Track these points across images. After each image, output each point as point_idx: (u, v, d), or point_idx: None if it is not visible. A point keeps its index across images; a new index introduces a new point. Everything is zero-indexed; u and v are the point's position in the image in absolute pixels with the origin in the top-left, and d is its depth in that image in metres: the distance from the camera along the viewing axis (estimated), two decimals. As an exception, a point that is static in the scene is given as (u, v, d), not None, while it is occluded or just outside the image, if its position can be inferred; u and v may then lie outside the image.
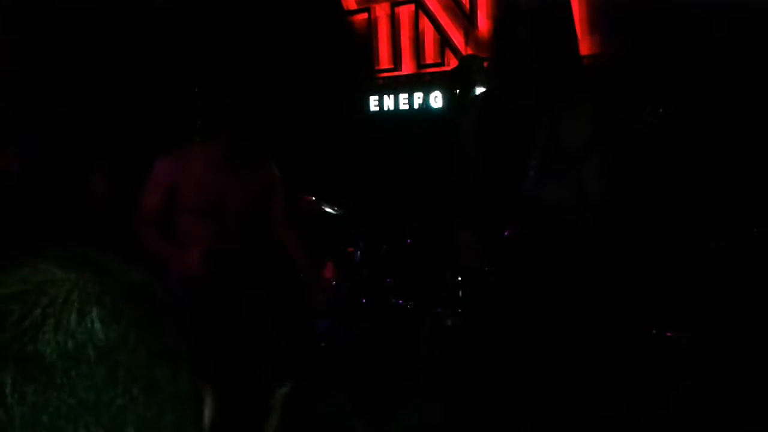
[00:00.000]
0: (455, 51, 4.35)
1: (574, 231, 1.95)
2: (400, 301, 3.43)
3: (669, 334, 2.80)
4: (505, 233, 1.95)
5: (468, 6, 4.24)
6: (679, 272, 2.87)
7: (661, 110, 1.84)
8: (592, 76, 3.59)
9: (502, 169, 2.10)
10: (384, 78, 4.81)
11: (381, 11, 4.76)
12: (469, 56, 2.38)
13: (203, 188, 2.73)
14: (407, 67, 4.68)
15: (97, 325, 0.50)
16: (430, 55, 4.54)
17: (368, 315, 3.36)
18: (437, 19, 4.42)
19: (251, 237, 2.86)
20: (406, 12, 4.61)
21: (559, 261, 1.95)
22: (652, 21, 3.51)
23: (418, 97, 4.58)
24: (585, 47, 3.81)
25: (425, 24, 4.50)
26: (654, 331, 2.71)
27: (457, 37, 4.37)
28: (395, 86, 4.72)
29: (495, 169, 2.13)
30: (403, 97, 4.67)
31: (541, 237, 1.97)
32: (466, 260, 2.01)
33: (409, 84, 4.65)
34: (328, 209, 3.89)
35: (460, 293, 1.96)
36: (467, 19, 4.29)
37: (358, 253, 3.60)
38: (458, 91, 2.32)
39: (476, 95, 2.29)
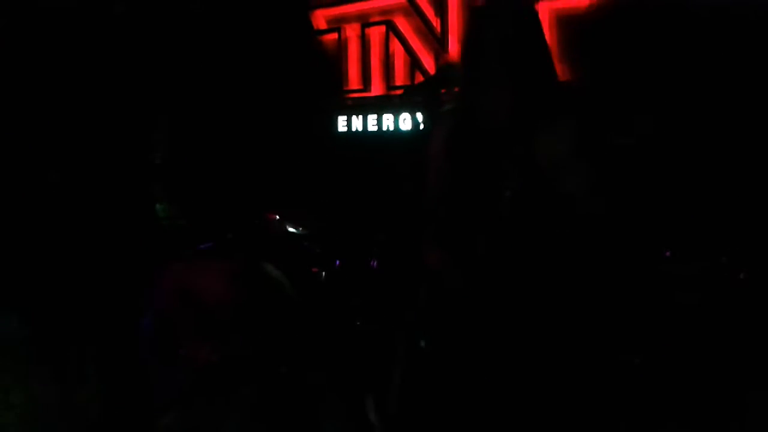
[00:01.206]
0: (425, 73, 4.34)
1: (553, 251, 1.91)
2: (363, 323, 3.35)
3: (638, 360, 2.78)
4: (480, 253, 1.90)
5: (439, 29, 4.24)
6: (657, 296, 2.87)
7: (649, 122, 1.81)
8: (572, 95, 3.61)
9: (476, 189, 2.05)
10: (353, 99, 4.77)
11: (351, 32, 4.73)
12: (447, 65, 2.36)
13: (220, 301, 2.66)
14: (377, 89, 4.65)
15: None
16: (399, 77, 4.52)
17: (333, 338, 3.27)
18: (408, 41, 4.41)
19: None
20: (376, 33, 4.60)
21: (537, 282, 1.91)
22: (621, 47, 3.54)
23: (387, 119, 4.55)
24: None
25: (395, 46, 4.49)
26: (626, 358, 2.68)
27: (428, 60, 4.36)
28: (364, 107, 4.69)
29: (468, 189, 2.08)
30: (371, 119, 4.63)
31: (518, 258, 1.92)
32: (445, 279, 1.96)
33: (378, 105, 4.62)
34: (291, 228, 3.82)
35: (432, 314, 1.90)
36: (438, 42, 4.28)
37: (323, 273, 3.51)
38: (428, 98, 2.26)
39: (445, 110, 2.23)
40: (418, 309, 1.94)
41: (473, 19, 2.16)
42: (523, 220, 1.96)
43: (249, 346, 2.70)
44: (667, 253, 3.04)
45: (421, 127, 2.29)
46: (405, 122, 4.47)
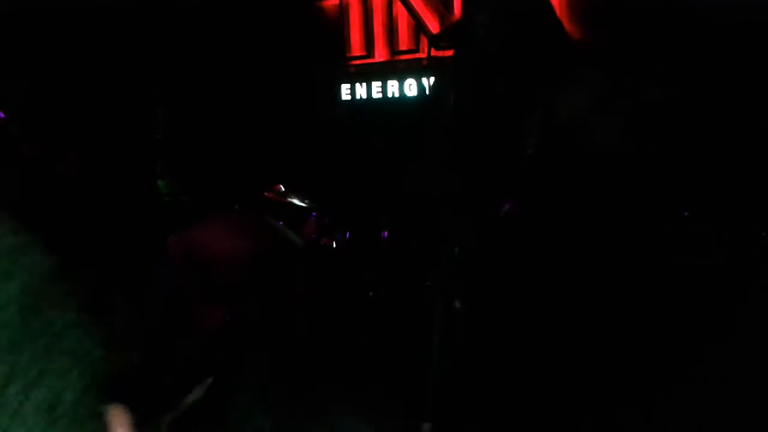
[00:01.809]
0: (430, 37, 4.22)
1: (574, 208, 1.86)
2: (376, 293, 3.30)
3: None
4: (503, 210, 1.85)
5: (443, -9, 4.12)
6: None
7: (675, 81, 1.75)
8: (592, 53, 3.52)
9: (496, 146, 2.00)
10: (356, 66, 4.66)
11: (353, -4, 4.61)
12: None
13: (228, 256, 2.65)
14: (380, 55, 4.54)
15: None
16: (404, 42, 4.40)
17: (346, 308, 3.22)
18: (411, 5, 4.29)
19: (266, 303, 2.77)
20: (378, -3, 4.48)
21: (560, 238, 1.86)
22: (631, 12, 3.44)
23: (392, 85, 4.44)
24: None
25: (399, 10, 4.36)
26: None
27: (433, 24, 4.24)
28: (368, 74, 4.58)
29: (488, 145, 2.03)
30: (376, 86, 4.53)
31: (541, 214, 1.87)
32: (465, 241, 1.90)
33: (382, 72, 4.51)
34: (296, 201, 3.75)
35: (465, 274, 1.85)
36: (443, 5, 4.16)
37: (334, 243, 3.45)
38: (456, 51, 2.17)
39: (458, 67, 2.15)
40: (449, 272, 1.89)
41: None
42: (544, 177, 1.91)
43: (262, 304, 2.68)
44: (686, 214, 2.97)
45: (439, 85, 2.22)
46: (411, 88, 4.37)
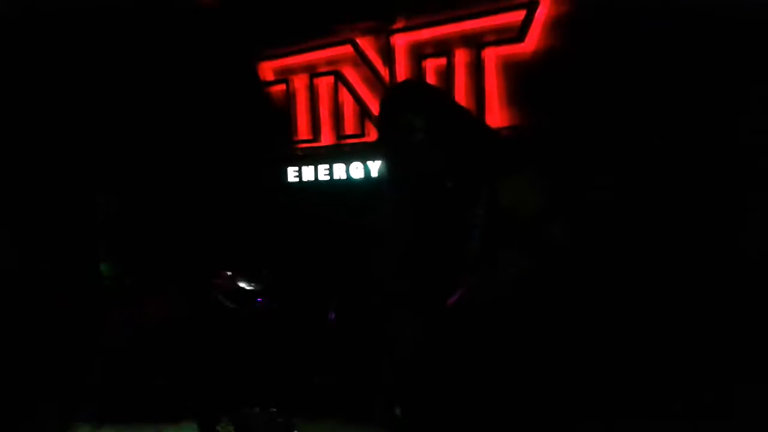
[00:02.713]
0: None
1: (522, 299, 1.87)
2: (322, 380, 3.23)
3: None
4: (449, 302, 1.85)
5: (387, 78, 4.24)
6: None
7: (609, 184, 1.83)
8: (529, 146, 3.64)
9: (441, 238, 2.02)
10: (303, 149, 4.72)
11: (299, 83, 4.70)
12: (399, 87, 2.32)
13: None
14: (327, 138, 4.61)
15: None
16: (350, 126, 4.49)
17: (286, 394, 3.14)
18: (356, 91, 4.40)
19: None
20: (324, 83, 4.57)
21: (507, 329, 1.86)
22: (569, 92, 3.60)
23: (338, 168, 4.50)
24: (503, 119, 3.87)
25: (345, 95, 4.47)
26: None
27: (377, 109, 4.34)
28: (315, 157, 4.63)
29: (433, 237, 2.05)
30: (323, 168, 4.58)
31: (487, 305, 1.87)
32: (404, 336, 1.89)
33: (328, 155, 4.57)
34: (244, 285, 3.71)
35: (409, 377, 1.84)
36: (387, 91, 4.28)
37: (279, 328, 3.39)
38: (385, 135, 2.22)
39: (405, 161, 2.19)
40: (395, 374, 1.88)
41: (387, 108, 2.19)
42: (489, 267, 1.93)
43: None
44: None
45: (381, 175, 2.26)
46: (357, 171, 4.43)
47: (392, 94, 2.37)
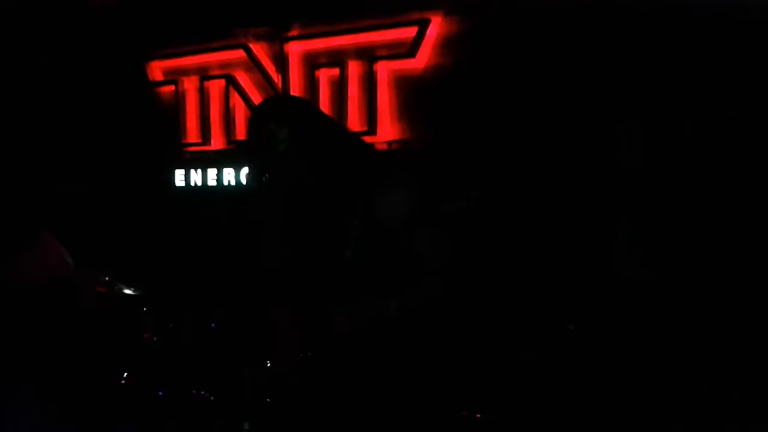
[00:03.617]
0: (267, 128, 4.28)
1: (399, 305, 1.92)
2: (202, 392, 3.15)
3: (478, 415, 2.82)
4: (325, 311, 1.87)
5: (280, 84, 4.22)
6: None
7: (473, 195, 1.91)
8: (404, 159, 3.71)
9: (318, 248, 2.04)
10: (192, 152, 4.61)
11: (189, 84, 4.59)
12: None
13: None
14: (217, 143, 4.52)
15: None
16: (240, 130, 4.42)
17: (164, 409, 3.04)
18: (248, 96, 4.35)
19: None
20: (216, 86, 4.49)
21: (388, 346, 1.90)
22: (454, 107, 3.70)
23: (228, 173, 4.42)
24: (394, 133, 3.93)
25: (236, 99, 4.40)
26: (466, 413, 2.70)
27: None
28: (204, 161, 4.53)
29: (311, 246, 2.06)
30: (211, 173, 4.48)
31: (364, 312, 1.91)
32: (283, 346, 1.89)
33: (218, 159, 4.48)
34: (124, 289, 3.57)
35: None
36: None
37: (155, 339, 3.28)
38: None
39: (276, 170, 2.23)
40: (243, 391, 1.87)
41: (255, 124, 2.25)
42: (364, 275, 1.96)
43: None
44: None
45: (254, 182, 2.30)
46: (247, 176, 4.36)
47: (259, 105, 2.48)
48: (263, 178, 2.10)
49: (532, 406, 2.73)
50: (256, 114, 2.30)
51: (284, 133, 2.03)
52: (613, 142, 3.31)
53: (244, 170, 4.35)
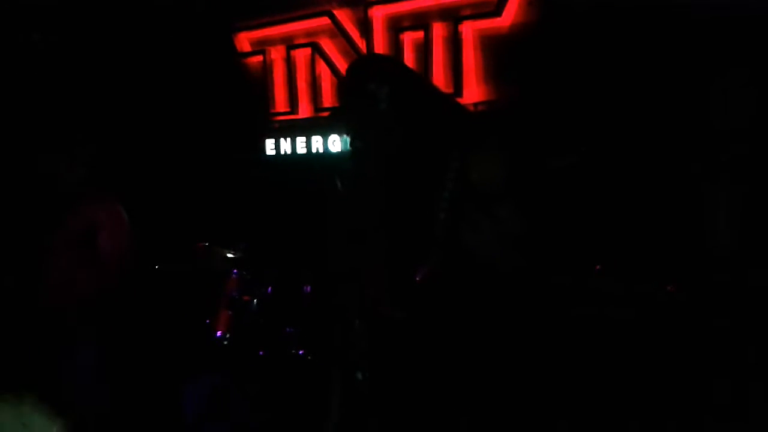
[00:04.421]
0: (353, 95, 4.31)
1: (489, 273, 1.91)
2: (301, 352, 3.26)
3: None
4: (417, 278, 1.88)
5: (365, 50, 4.23)
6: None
7: (582, 149, 1.86)
8: (499, 119, 3.66)
9: (410, 213, 2.04)
10: (280, 121, 4.70)
11: (276, 54, 4.67)
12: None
13: None
14: (304, 111, 4.60)
15: None
16: (327, 98, 4.48)
17: (266, 367, 3.17)
18: (334, 63, 4.38)
19: None
20: (302, 55, 4.55)
21: (475, 305, 1.90)
22: (542, 67, 3.61)
23: (316, 141, 4.50)
24: (481, 94, 3.88)
25: (322, 67, 4.45)
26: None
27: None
28: (292, 130, 4.62)
29: (402, 212, 2.07)
30: (300, 141, 4.57)
31: (455, 281, 1.90)
32: (377, 308, 1.92)
33: (306, 127, 4.56)
34: (218, 257, 3.72)
35: (369, 344, 1.87)
36: (364, 64, 4.26)
37: (255, 301, 3.41)
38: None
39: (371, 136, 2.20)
40: (354, 342, 1.91)
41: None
42: (457, 243, 1.95)
43: None
44: (598, 268, 3.09)
45: (348, 149, 2.28)
46: (334, 144, 4.43)
47: (356, 64, 2.37)
48: (359, 143, 2.08)
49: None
50: (355, 73, 2.21)
51: (385, 92, 2.00)
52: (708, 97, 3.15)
53: (332, 137, 4.42)
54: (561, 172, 1.88)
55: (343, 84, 2.21)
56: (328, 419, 1.75)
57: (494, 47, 3.82)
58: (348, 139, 2.19)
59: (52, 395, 2.76)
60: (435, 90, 2.21)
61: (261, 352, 3.19)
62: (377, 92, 2.00)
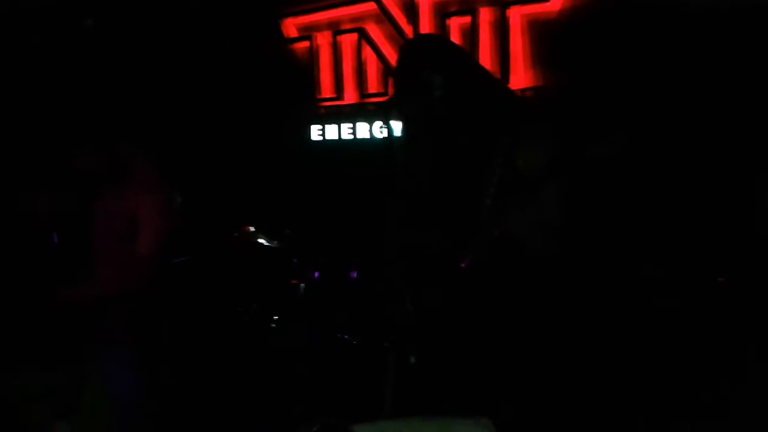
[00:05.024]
0: (399, 80, 4.31)
1: (533, 259, 1.91)
2: (346, 336, 3.31)
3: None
4: (462, 265, 1.89)
5: (411, 34, 4.22)
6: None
7: (625, 134, 1.84)
8: (546, 105, 3.63)
9: (456, 198, 2.05)
10: (326, 107, 4.74)
11: (323, 39, 4.70)
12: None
13: None
14: (350, 97, 4.62)
15: None
16: (373, 84, 4.49)
17: (315, 351, 3.23)
18: (380, 49, 4.39)
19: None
20: (348, 41, 4.56)
21: (521, 291, 1.90)
22: (592, 53, 3.56)
23: (361, 127, 4.52)
24: (528, 80, 3.85)
25: (368, 53, 4.46)
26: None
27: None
28: (338, 116, 4.65)
29: (448, 197, 2.08)
30: (346, 127, 4.60)
31: (501, 267, 1.91)
32: (425, 298, 1.95)
33: (352, 113, 4.59)
34: (265, 241, 3.78)
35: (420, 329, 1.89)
36: (411, 49, 4.26)
37: (302, 285, 3.47)
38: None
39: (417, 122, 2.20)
40: (405, 326, 1.93)
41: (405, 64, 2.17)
42: (505, 227, 1.96)
43: None
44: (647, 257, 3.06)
45: (396, 136, 2.28)
46: (381, 130, 4.44)
47: (410, 49, 2.29)
48: (411, 130, 2.09)
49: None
50: (407, 59, 2.16)
51: (438, 79, 1.98)
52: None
53: (377, 124, 4.43)
54: (605, 160, 1.84)
55: (394, 71, 2.18)
56: (383, 402, 1.78)
57: (542, 32, 3.77)
58: (399, 127, 2.19)
59: (94, 389, 2.84)
60: (487, 75, 2.17)
61: (309, 335, 3.25)
62: (430, 80, 1.98)
